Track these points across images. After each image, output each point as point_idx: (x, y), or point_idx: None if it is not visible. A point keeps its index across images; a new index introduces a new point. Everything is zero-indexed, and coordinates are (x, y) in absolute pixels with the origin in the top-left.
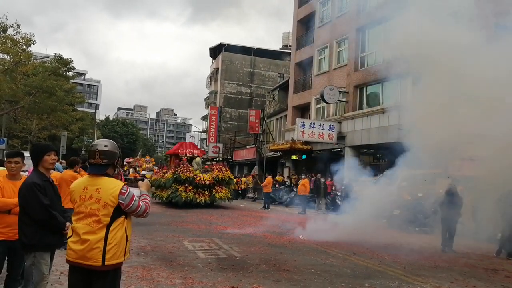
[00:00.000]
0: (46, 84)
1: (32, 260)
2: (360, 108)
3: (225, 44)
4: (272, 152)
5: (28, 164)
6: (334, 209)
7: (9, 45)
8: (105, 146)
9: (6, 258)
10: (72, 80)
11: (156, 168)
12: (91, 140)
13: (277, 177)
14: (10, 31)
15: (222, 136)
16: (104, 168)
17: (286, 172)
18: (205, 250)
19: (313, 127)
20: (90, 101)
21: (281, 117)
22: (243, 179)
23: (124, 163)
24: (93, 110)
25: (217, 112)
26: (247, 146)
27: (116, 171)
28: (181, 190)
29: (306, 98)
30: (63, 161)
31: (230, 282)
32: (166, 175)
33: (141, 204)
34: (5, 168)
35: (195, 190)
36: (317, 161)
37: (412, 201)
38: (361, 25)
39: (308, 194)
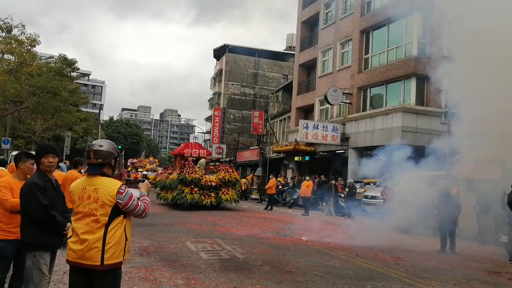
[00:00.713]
0: (50, 84)
1: (32, 260)
2: (364, 109)
3: (229, 45)
4: (276, 154)
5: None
6: (338, 210)
7: (14, 46)
8: (100, 146)
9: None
10: (76, 81)
11: (160, 169)
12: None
13: (279, 178)
14: (15, 31)
15: (225, 137)
16: (99, 168)
17: (289, 173)
18: (208, 251)
19: (317, 128)
20: (94, 101)
21: (284, 118)
22: (243, 180)
23: (128, 163)
24: (97, 111)
25: (220, 113)
26: (251, 147)
27: (116, 172)
28: (186, 192)
29: (310, 99)
30: (67, 161)
31: (233, 283)
32: (171, 176)
33: (139, 204)
34: (5, 169)
35: (201, 191)
36: (320, 162)
37: (416, 203)
38: (365, 27)
39: (311, 196)
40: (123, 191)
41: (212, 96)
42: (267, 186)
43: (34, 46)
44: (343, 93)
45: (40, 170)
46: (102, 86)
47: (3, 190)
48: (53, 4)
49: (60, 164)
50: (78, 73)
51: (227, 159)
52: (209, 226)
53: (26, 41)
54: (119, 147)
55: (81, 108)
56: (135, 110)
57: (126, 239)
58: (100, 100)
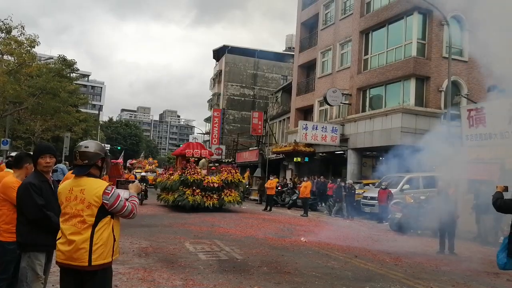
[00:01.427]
0: (50, 85)
1: (27, 260)
2: (363, 110)
3: (228, 46)
4: (275, 154)
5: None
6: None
7: (14, 46)
8: (85, 147)
9: None
10: (75, 82)
11: (159, 170)
12: None
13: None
14: (14, 32)
15: (225, 138)
16: (85, 169)
17: (289, 174)
18: (207, 252)
19: (316, 129)
20: (93, 102)
21: (284, 119)
22: None
23: (127, 164)
24: (97, 112)
25: (220, 114)
26: (250, 148)
27: (104, 172)
28: (188, 193)
29: (309, 100)
30: (66, 162)
31: (231, 284)
32: (172, 177)
33: (127, 204)
34: (11, 171)
35: (203, 193)
36: (319, 163)
37: (415, 203)
38: (364, 27)
39: (309, 197)
40: (109, 191)
41: (211, 97)
42: (266, 185)
43: (34, 47)
44: (342, 94)
45: (37, 171)
46: (101, 87)
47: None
48: (53, 5)
49: (60, 165)
50: (78, 74)
51: (227, 160)
52: (208, 227)
53: (25, 42)
54: (118, 147)
55: (81, 109)
56: (134, 111)
57: (115, 240)
58: (100, 101)
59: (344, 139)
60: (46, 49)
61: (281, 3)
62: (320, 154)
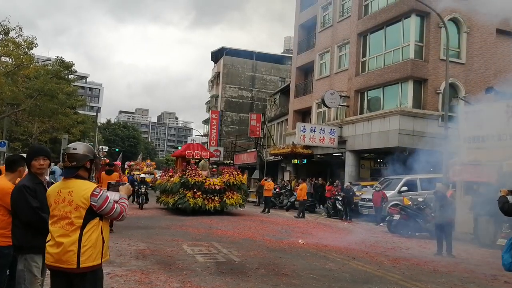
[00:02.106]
0: (47, 87)
1: (24, 263)
2: (361, 112)
3: (226, 48)
4: (273, 156)
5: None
6: (335, 214)
7: (11, 48)
8: (73, 149)
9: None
10: (73, 83)
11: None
12: (92, 144)
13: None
14: (12, 34)
15: (223, 140)
16: (73, 170)
17: (287, 176)
18: (204, 254)
19: (314, 131)
20: (91, 104)
21: (282, 121)
22: None
23: (125, 166)
24: (95, 113)
25: (218, 115)
26: (248, 150)
27: (93, 174)
28: (189, 196)
29: (307, 102)
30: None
31: (228, 287)
32: (172, 179)
33: (116, 206)
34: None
35: (204, 195)
36: (318, 165)
37: (412, 205)
38: (362, 30)
39: (306, 199)
40: (97, 193)
41: (209, 99)
42: (264, 188)
43: (31, 49)
44: (340, 96)
45: (31, 173)
46: (99, 89)
47: None
48: (51, 7)
49: (55, 166)
50: (76, 76)
51: (229, 162)
52: (206, 229)
53: (23, 43)
54: (116, 149)
55: (78, 111)
56: (132, 113)
57: (104, 242)
58: (98, 103)
59: (342, 141)
60: (44, 51)
61: (280, 5)
62: (318, 156)
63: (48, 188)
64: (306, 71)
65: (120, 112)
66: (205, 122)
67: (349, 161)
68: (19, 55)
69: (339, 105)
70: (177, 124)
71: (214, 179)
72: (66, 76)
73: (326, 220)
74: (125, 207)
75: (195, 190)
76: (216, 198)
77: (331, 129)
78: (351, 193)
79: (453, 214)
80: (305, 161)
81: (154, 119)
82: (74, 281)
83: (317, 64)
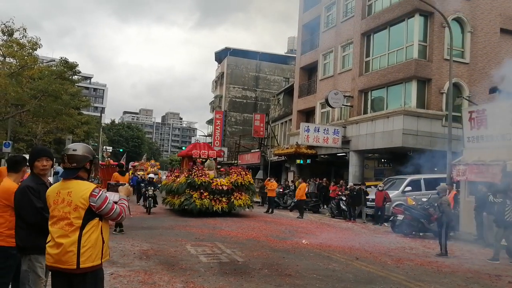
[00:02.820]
0: (51, 87)
1: (28, 263)
2: (365, 112)
3: (230, 49)
4: (277, 157)
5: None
6: (339, 214)
7: (15, 49)
8: (73, 150)
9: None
10: (77, 84)
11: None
12: (96, 144)
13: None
14: (16, 35)
15: (227, 140)
16: (73, 172)
17: (290, 176)
18: (208, 254)
19: (318, 131)
20: (95, 104)
21: (285, 121)
22: None
23: (130, 166)
24: (99, 114)
25: (222, 116)
26: (252, 150)
27: (92, 174)
28: (195, 197)
29: (311, 102)
30: None
31: (232, 287)
32: (178, 179)
33: (115, 207)
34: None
35: (211, 196)
36: (321, 165)
37: (416, 206)
38: (366, 30)
39: (304, 199)
40: (96, 194)
41: (213, 99)
42: (267, 189)
43: (36, 50)
44: (344, 96)
45: (33, 174)
46: (103, 89)
47: None
48: (56, 8)
49: (59, 167)
50: (80, 77)
51: (235, 162)
52: (209, 230)
53: (27, 44)
54: (121, 150)
55: (83, 111)
56: (136, 113)
57: (103, 242)
58: (102, 103)
59: (346, 141)
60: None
61: (283, 5)
62: (322, 156)
63: None
64: (310, 71)
65: (124, 112)
66: (209, 122)
67: (353, 161)
68: (23, 56)
69: (342, 105)
70: (181, 124)
71: (221, 179)
72: (70, 77)
73: (330, 220)
74: (125, 208)
75: (201, 190)
76: (224, 199)
77: (335, 129)
78: (355, 193)
79: (454, 215)
80: (309, 161)
81: (158, 120)
82: (74, 282)
83: (321, 64)
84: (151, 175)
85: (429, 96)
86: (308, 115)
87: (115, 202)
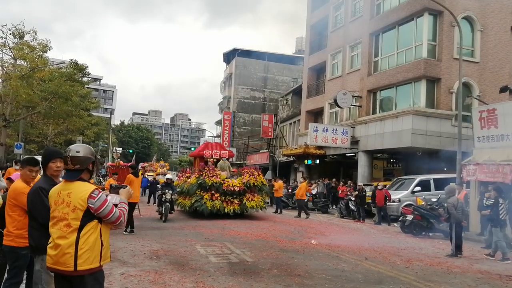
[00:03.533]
0: (62, 89)
1: (41, 263)
2: (374, 112)
3: (238, 49)
4: (286, 157)
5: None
6: (348, 214)
7: (26, 51)
8: (77, 152)
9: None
10: (87, 86)
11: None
12: (106, 145)
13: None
14: (27, 37)
15: (235, 140)
16: (77, 174)
17: (299, 176)
18: (217, 254)
19: (326, 131)
20: (105, 106)
21: (294, 122)
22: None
23: (139, 167)
24: (108, 115)
25: (230, 116)
26: (260, 151)
27: (94, 175)
28: (206, 198)
29: (319, 102)
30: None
31: (241, 287)
32: (189, 180)
33: (115, 210)
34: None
35: (223, 197)
36: (330, 166)
37: (426, 206)
38: (374, 29)
39: (304, 198)
40: (95, 195)
41: (222, 100)
42: (274, 189)
43: (46, 52)
44: (352, 96)
45: (46, 175)
46: (113, 91)
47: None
48: (66, 10)
49: None
50: (89, 78)
51: (242, 163)
52: (219, 230)
53: (37, 46)
54: (130, 151)
55: (92, 113)
56: (146, 115)
57: (102, 245)
58: (111, 105)
59: (354, 141)
60: (59, 54)
61: (292, 6)
62: (331, 156)
63: None
64: (318, 71)
65: (134, 113)
66: (218, 123)
67: (362, 162)
68: (34, 58)
69: (351, 105)
70: (190, 125)
71: (233, 180)
72: (80, 79)
73: (339, 220)
74: (124, 212)
75: (213, 191)
76: (236, 201)
77: (343, 129)
78: (363, 193)
79: (464, 215)
80: (317, 161)
81: (167, 121)
82: (74, 283)
83: (329, 64)
84: (169, 176)
85: (438, 95)
86: (316, 115)
87: (115, 205)
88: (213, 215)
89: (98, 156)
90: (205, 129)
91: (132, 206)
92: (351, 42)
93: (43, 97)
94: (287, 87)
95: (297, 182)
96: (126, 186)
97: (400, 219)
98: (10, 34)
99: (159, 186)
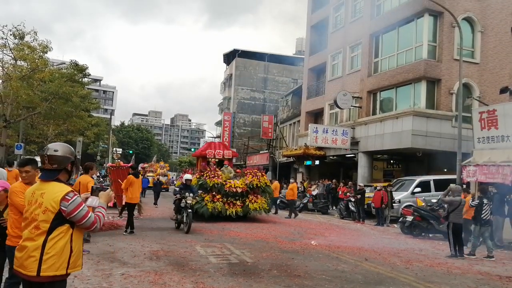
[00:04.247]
0: (62, 90)
1: None
2: (374, 113)
3: (238, 50)
4: (285, 158)
5: None
6: (348, 215)
7: (26, 52)
8: (55, 150)
9: None
10: (87, 86)
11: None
12: (106, 146)
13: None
14: (27, 38)
15: (235, 141)
16: (54, 173)
17: (299, 177)
18: (217, 255)
19: (326, 132)
20: (105, 107)
21: (294, 123)
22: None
23: (139, 168)
24: (109, 116)
25: (230, 117)
26: (260, 152)
27: (72, 176)
28: (207, 200)
29: (319, 103)
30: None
31: (241, 287)
32: None
33: (90, 215)
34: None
35: (225, 199)
36: (330, 166)
37: (426, 207)
38: (374, 30)
39: (295, 199)
40: (69, 198)
41: (222, 100)
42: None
43: (46, 53)
44: (352, 97)
45: None
46: (113, 91)
47: (21, 195)
48: (66, 11)
49: None
50: (90, 79)
51: (242, 164)
52: (219, 230)
53: (38, 47)
54: (130, 151)
55: (93, 114)
56: (146, 115)
57: (72, 251)
58: (111, 105)
59: (354, 142)
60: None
61: (292, 6)
62: (331, 157)
63: None
64: (318, 72)
65: (134, 114)
66: (218, 124)
67: (362, 162)
68: (34, 59)
69: (351, 106)
70: (190, 126)
71: (235, 181)
72: (80, 79)
73: (339, 221)
74: (101, 217)
75: (214, 193)
76: (238, 202)
77: (343, 130)
78: (362, 191)
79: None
80: (317, 162)
81: (168, 121)
82: None
83: (329, 65)
84: (188, 176)
85: (438, 96)
86: (316, 116)
87: (93, 208)
88: (214, 217)
89: (78, 157)
90: (205, 130)
91: (131, 206)
92: (351, 43)
93: (43, 97)
94: (287, 88)
95: (297, 183)
96: (107, 188)
97: (400, 220)
98: (11, 34)
99: (177, 189)
